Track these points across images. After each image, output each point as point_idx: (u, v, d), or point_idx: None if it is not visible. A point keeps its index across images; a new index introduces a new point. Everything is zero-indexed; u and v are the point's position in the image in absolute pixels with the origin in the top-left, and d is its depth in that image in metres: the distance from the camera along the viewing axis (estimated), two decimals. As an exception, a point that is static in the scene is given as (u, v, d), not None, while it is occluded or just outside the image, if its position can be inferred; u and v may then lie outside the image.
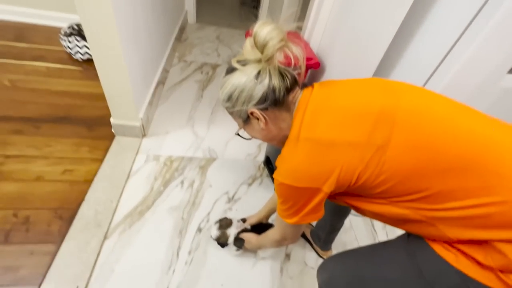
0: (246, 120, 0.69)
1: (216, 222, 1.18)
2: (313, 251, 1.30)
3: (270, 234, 0.90)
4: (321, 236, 1.21)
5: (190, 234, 1.25)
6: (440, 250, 0.54)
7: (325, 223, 1.16)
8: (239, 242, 1.10)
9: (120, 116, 1.53)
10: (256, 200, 1.45)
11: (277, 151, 1.44)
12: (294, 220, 0.66)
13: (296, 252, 1.28)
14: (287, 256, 1.26)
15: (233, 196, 1.45)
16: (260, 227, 1.12)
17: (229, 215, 1.35)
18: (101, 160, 1.46)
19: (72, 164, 1.41)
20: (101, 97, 1.49)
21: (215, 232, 1.15)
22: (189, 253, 1.18)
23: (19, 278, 0.99)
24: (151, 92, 1.77)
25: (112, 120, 1.54)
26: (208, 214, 1.34)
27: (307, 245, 1.32)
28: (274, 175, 0.64)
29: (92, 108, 1.75)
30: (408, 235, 0.64)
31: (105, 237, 1.15)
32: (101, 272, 1.06)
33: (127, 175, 1.42)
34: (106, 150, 1.52)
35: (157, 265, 1.12)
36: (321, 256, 1.28)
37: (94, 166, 1.42)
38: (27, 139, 1.47)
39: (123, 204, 1.29)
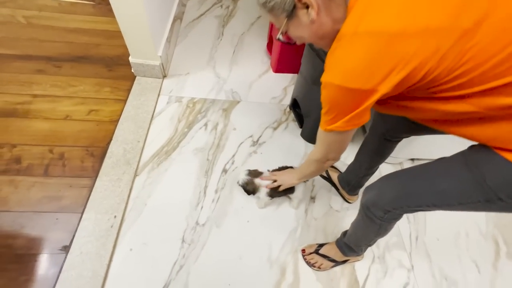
0: (291, 13, 0.55)
1: (246, 170, 1.12)
2: (339, 195, 1.28)
3: (310, 156, 0.82)
4: (352, 180, 1.16)
5: (216, 174, 1.25)
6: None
7: (360, 166, 1.09)
8: (271, 191, 1.08)
9: (138, 55, 1.44)
10: (281, 145, 1.41)
11: (307, 93, 1.32)
12: (336, 125, 0.57)
13: (322, 195, 1.27)
14: (312, 198, 1.26)
15: (257, 140, 1.41)
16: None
17: (254, 159, 1.33)
18: (124, 101, 1.43)
19: (97, 104, 1.40)
20: (117, 35, 1.40)
21: (243, 177, 1.09)
22: (216, 191, 1.20)
23: (63, 206, 1.07)
24: (168, 28, 1.62)
25: (131, 59, 1.46)
26: (233, 156, 1.33)
27: (333, 189, 1.29)
28: (322, 78, 0.54)
29: (110, 47, 1.67)
30: (469, 148, 0.59)
31: (135, 174, 1.19)
32: (134, 205, 1.12)
33: (151, 116, 1.40)
34: (128, 91, 1.48)
35: (186, 201, 1.16)
36: (347, 201, 1.26)
37: (117, 106, 1.41)
38: (50, 79, 1.46)
39: (149, 144, 1.30)
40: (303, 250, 1.09)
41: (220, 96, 1.56)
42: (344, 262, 1.06)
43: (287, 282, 1.02)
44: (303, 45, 1.22)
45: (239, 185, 1.09)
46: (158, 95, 1.49)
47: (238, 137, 1.40)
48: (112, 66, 1.58)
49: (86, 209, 1.07)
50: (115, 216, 1.07)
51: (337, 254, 1.03)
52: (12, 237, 0.98)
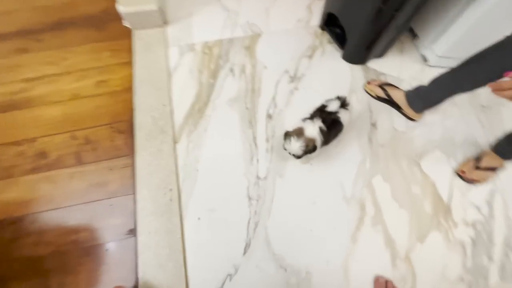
0: None
1: (286, 138, 0.90)
2: (401, 116, 1.13)
3: None
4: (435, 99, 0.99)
5: (261, 122, 1.10)
6: None
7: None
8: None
9: (129, 1, 1.16)
10: (323, 74, 1.21)
11: (348, 2, 1.06)
12: None
13: (382, 120, 1.12)
14: (373, 125, 1.12)
15: (295, 74, 1.21)
16: (332, 123, 0.92)
17: (297, 96, 1.16)
18: (130, 63, 1.21)
19: (102, 74, 1.19)
20: None
21: (296, 144, 0.87)
22: (267, 140, 1.07)
23: (112, 191, 0.98)
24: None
25: (121, 8, 1.18)
26: (273, 98, 1.15)
27: (393, 110, 1.14)
28: None
29: (90, 1, 1.36)
30: None
31: (174, 142, 1.06)
32: (185, 174, 1.01)
33: (167, 73, 1.19)
34: (130, 50, 1.24)
35: (238, 157, 1.04)
36: (412, 119, 1.11)
37: (125, 71, 1.20)
38: (37, 56, 1.22)
39: (177, 105, 1.13)
40: (463, 171, 1.01)
41: (237, 32, 1.30)
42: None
43: (369, 216, 0.96)
44: None
45: (298, 156, 0.90)
46: (167, 47, 1.25)
47: (272, 76, 1.20)
48: (101, 24, 1.31)
49: (137, 189, 0.97)
50: (170, 189, 0.97)
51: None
52: (73, 232, 0.91)
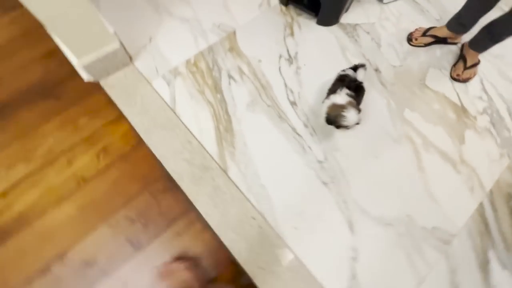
0: None
1: (337, 118, 0.89)
2: (392, 52, 1.24)
3: None
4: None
5: (290, 112, 1.08)
6: None
7: None
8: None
9: (86, 47, 0.95)
10: (313, 46, 1.23)
11: None
12: None
13: (380, 63, 1.22)
14: (376, 70, 1.20)
15: (289, 55, 1.20)
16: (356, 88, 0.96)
17: (305, 73, 1.16)
18: (120, 117, 1.03)
19: (94, 143, 0.98)
20: (30, 36, 0.87)
21: (352, 115, 0.87)
22: (306, 126, 1.06)
23: (197, 253, 0.85)
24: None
25: (78, 62, 0.96)
26: (285, 85, 1.14)
27: (381, 51, 1.25)
28: None
29: (21, 72, 1.08)
30: None
31: (224, 171, 0.96)
32: (255, 195, 0.94)
33: (169, 108, 1.05)
34: (110, 103, 1.05)
35: (291, 153, 1.01)
36: (455, 43, 1.27)
37: (122, 127, 1.01)
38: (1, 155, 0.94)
39: (201, 135, 1.02)
40: (457, 75, 1.18)
41: (211, 38, 1.21)
42: None
43: (419, 144, 1.06)
44: None
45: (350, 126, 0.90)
46: (149, 83, 1.09)
47: (271, 66, 1.17)
48: (53, 92, 1.06)
49: (221, 237, 0.87)
50: (253, 218, 0.90)
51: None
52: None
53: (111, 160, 0.96)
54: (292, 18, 1.30)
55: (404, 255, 0.89)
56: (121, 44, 1.03)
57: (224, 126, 1.04)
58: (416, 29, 1.27)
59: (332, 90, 0.98)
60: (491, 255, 0.90)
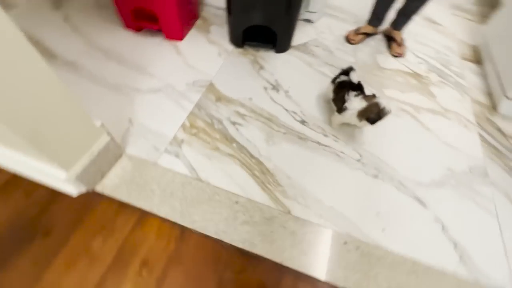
0: None
1: (381, 115, 0.92)
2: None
3: None
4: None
5: (306, 131, 1.09)
6: None
7: None
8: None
9: (75, 153, 0.77)
10: (284, 67, 1.32)
11: (268, 11, 1.20)
12: None
13: (360, 56, 1.39)
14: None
15: (272, 84, 1.24)
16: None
17: (293, 95, 1.22)
18: (142, 214, 0.83)
19: (125, 264, 0.75)
20: None
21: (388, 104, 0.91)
22: (326, 136, 1.09)
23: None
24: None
25: (69, 174, 0.76)
26: (286, 110, 1.15)
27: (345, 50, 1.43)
28: None
29: (13, 203, 0.77)
30: None
31: (289, 212, 0.87)
32: (334, 221, 0.87)
33: (195, 179, 0.91)
34: (122, 206, 0.84)
35: (338, 166, 1.00)
36: (375, 34, 1.46)
37: (151, 225, 0.82)
38: None
39: (242, 187, 0.91)
40: (398, 53, 1.44)
41: (193, 97, 1.15)
42: None
43: (410, 112, 1.22)
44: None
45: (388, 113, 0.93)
46: (155, 165, 0.94)
47: (262, 99, 1.18)
48: (39, 225, 0.79)
49: (331, 279, 0.76)
50: (345, 243, 0.82)
51: None
52: None
53: (160, 270, 0.74)
54: (253, 55, 1.37)
55: (470, 201, 0.96)
56: (110, 134, 0.87)
57: (259, 170, 0.97)
58: (348, 32, 1.52)
59: (339, 99, 1.04)
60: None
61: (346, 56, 1.43)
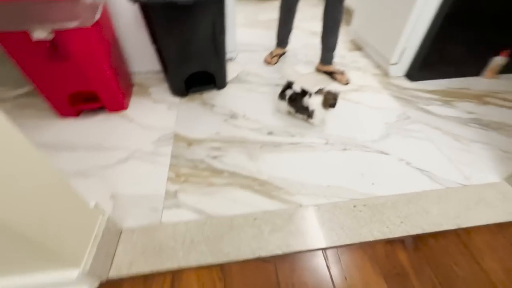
0: None
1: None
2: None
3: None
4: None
5: (281, 139, 1.24)
6: None
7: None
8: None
9: (79, 247, 0.70)
10: (230, 98, 1.48)
11: (207, 48, 1.36)
12: None
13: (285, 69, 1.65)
14: (277, 85, 1.61)
15: (229, 115, 1.37)
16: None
17: (249, 124, 1.38)
18: (174, 274, 0.79)
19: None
20: None
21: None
22: (324, 142, 1.26)
23: None
24: None
25: (82, 271, 0.68)
26: (253, 130, 1.29)
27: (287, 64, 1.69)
28: None
29: None
30: None
31: (300, 206, 0.96)
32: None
33: (207, 218, 0.92)
34: (147, 278, 0.78)
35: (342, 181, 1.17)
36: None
37: (187, 278, 0.78)
38: None
39: (254, 205, 0.96)
40: (338, 74, 1.65)
41: (165, 150, 1.18)
42: None
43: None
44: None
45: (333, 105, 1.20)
46: (162, 224, 0.91)
47: (228, 129, 1.30)
48: None
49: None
50: (355, 206, 0.96)
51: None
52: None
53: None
54: (200, 98, 1.50)
55: (411, 138, 1.25)
56: (105, 212, 0.82)
57: (257, 184, 1.04)
58: (265, 58, 1.83)
59: (301, 108, 1.26)
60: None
61: (273, 74, 1.71)
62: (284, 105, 1.32)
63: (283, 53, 1.86)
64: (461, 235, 0.89)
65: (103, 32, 1.18)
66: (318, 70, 1.73)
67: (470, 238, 0.88)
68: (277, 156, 1.16)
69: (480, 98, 1.50)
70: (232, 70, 1.71)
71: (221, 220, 0.93)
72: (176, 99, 1.48)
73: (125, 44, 1.53)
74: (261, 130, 1.29)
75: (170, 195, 1.01)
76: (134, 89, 1.55)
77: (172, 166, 1.11)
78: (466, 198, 1.00)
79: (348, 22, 2.24)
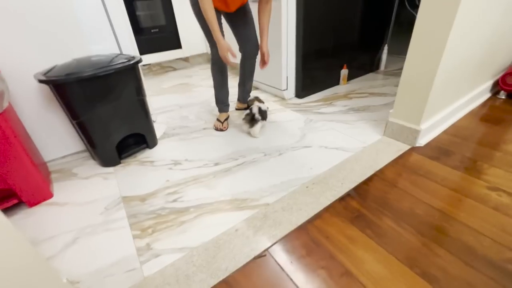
0: None
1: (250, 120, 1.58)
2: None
3: None
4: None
5: (227, 165, 1.37)
6: None
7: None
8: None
9: None
10: (164, 152, 1.55)
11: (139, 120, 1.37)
12: None
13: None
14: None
15: (172, 164, 1.43)
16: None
17: (194, 158, 1.48)
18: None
19: None
20: None
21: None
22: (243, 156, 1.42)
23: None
24: None
25: None
26: (199, 167, 1.38)
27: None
28: None
29: None
30: None
31: (268, 205, 1.09)
32: None
33: (188, 252, 0.91)
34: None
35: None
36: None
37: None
38: None
39: (230, 222, 1.03)
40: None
41: (117, 214, 1.10)
42: None
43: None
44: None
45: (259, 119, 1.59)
46: (150, 277, 0.84)
47: (175, 174, 1.34)
48: None
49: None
50: (306, 187, 1.17)
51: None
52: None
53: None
54: (136, 160, 1.49)
55: (324, 132, 1.64)
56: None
57: (226, 203, 1.12)
58: (216, 125, 1.78)
59: (252, 121, 1.58)
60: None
61: (197, 122, 1.90)
62: (246, 123, 1.62)
63: (228, 117, 1.85)
64: (378, 174, 1.22)
65: (12, 121, 1.11)
66: (238, 107, 2.03)
67: (384, 173, 1.23)
68: (231, 178, 1.28)
69: (346, 96, 2.14)
70: (158, 129, 1.80)
71: (206, 245, 0.94)
72: (110, 169, 1.43)
73: (34, 133, 1.42)
74: (208, 165, 1.40)
75: (143, 250, 0.95)
76: (55, 176, 1.40)
77: (133, 225, 1.05)
78: (369, 153, 1.38)
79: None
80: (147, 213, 1.11)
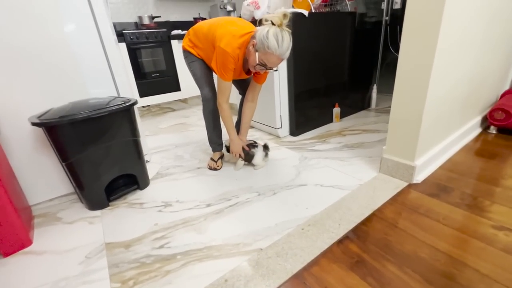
0: None
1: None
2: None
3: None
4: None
5: (219, 206, 1.31)
6: None
7: None
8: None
9: None
10: (155, 192, 1.50)
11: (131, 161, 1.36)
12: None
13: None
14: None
15: (162, 205, 1.37)
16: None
17: (184, 198, 1.43)
18: None
19: None
20: None
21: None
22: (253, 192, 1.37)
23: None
24: None
25: None
26: (190, 209, 1.32)
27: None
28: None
29: None
30: None
31: (263, 251, 1.01)
32: None
33: (175, 307, 0.81)
34: None
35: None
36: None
37: None
38: None
39: (220, 270, 0.94)
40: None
41: (98, 264, 1.02)
42: None
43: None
44: None
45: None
46: None
47: (165, 217, 1.28)
48: None
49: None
50: (303, 229, 1.10)
51: None
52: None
53: None
54: (125, 202, 1.44)
55: (316, 170, 1.61)
56: None
57: (216, 249, 1.04)
58: (210, 164, 1.77)
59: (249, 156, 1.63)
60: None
61: (191, 161, 1.88)
62: (241, 163, 1.68)
63: (222, 155, 1.84)
64: (377, 214, 1.16)
65: (-1, 164, 1.09)
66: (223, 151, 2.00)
67: (382, 212, 1.17)
68: (223, 221, 1.22)
69: (340, 133, 2.16)
70: (151, 169, 1.77)
71: (192, 300, 0.84)
72: (97, 212, 1.36)
73: (22, 176, 1.39)
74: (199, 206, 1.34)
75: (122, 306, 0.85)
76: (38, 221, 1.33)
77: (113, 276, 0.96)
78: (366, 190, 1.34)
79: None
80: (130, 262, 1.03)
